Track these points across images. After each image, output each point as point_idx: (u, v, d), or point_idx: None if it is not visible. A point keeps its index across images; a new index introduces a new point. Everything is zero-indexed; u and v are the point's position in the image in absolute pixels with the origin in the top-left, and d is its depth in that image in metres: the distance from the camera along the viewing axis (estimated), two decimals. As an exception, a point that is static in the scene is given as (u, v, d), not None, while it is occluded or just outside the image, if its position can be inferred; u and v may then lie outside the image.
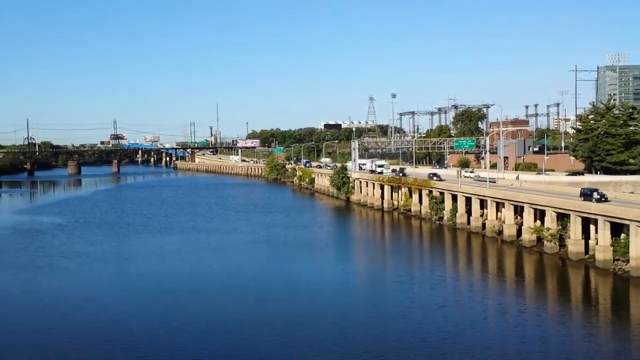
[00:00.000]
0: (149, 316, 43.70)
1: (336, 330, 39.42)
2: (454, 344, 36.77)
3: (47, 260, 66.64)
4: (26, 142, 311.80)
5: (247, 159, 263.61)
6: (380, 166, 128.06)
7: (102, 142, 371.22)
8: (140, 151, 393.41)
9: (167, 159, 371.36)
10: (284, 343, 37.30)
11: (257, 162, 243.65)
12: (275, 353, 35.81)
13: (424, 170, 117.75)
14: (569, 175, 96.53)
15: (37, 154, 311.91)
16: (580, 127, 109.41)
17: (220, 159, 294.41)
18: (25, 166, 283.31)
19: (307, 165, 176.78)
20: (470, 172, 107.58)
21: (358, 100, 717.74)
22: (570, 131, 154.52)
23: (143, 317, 43.45)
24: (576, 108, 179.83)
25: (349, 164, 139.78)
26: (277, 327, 40.14)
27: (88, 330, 40.66)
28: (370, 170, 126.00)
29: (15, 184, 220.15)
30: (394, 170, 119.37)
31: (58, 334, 40.14)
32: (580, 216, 59.09)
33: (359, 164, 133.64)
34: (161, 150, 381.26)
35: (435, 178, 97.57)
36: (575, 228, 59.51)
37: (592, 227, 59.75)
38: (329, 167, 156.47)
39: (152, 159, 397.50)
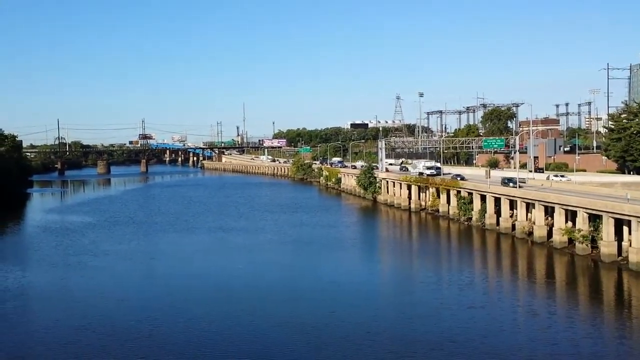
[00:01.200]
0: (176, 314, 43.98)
1: (363, 331, 39.12)
2: (482, 345, 36.15)
3: (77, 258, 67.79)
4: (57, 142, 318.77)
5: (279, 159, 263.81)
6: (430, 168, 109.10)
7: (130, 142, 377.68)
8: (167, 151, 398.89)
9: (194, 158, 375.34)
10: (310, 342, 37.16)
11: (287, 162, 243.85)
12: (301, 353, 35.69)
13: (453, 170, 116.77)
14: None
15: (67, 153, 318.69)
16: (613, 127, 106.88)
17: (253, 159, 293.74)
18: (56, 166, 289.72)
19: (340, 165, 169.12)
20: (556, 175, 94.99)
21: (385, 99, 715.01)
22: (602, 130, 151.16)
23: (171, 315, 43.75)
24: (608, 107, 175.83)
25: (388, 164, 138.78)
26: (303, 327, 40.03)
27: (118, 327, 41.15)
28: (418, 173, 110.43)
29: (47, 183, 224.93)
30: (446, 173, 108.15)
31: (88, 330, 40.66)
32: (613, 217, 57.63)
33: (402, 165, 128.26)
34: (188, 150, 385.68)
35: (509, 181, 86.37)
36: (607, 229, 58.05)
37: (625, 229, 58.22)
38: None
39: (179, 159, 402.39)
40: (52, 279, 57.69)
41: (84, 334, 39.90)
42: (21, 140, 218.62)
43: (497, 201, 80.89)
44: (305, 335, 38.57)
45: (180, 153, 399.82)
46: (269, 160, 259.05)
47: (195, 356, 35.34)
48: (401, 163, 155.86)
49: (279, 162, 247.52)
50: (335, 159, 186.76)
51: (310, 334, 38.78)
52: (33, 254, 72.83)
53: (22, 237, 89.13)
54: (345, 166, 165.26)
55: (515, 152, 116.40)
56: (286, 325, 40.72)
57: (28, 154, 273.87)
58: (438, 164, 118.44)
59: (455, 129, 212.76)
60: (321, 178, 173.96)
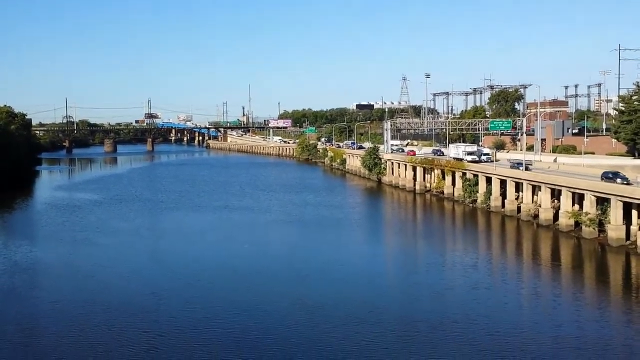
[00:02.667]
0: (181, 290, 44.21)
1: (366, 310, 39.20)
2: (486, 325, 36.15)
3: (84, 234, 68.21)
4: (65, 121, 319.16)
5: (289, 140, 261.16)
6: (472, 153, 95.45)
7: (136, 121, 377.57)
8: (173, 130, 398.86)
9: (200, 138, 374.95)
10: (313, 320, 37.29)
11: (295, 143, 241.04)
12: (304, 330, 35.81)
13: (427, 149, 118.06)
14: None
15: (75, 132, 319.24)
16: (623, 109, 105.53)
17: (265, 139, 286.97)
18: (64, 144, 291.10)
19: (353, 146, 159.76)
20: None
21: (391, 80, 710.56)
22: (612, 113, 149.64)
23: (175, 291, 43.97)
24: (619, 89, 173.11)
25: (399, 145, 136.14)
26: (306, 305, 40.16)
27: (123, 302, 41.42)
28: (453, 158, 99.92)
29: (55, 161, 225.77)
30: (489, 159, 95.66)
31: (94, 304, 40.98)
32: (621, 201, 57.15)
33: (435, 149, 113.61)
34: (194, 129, 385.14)
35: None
36: (616, 213, 57.60)
37: (634, 213, 57.77)
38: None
39: (185, 138, 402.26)
40: (59, 254, 58.12)
41: (89, 308, 40.23)
42: (30, 119, 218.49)
43: (503, 183, 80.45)
44: (309, 313, 38.68)
45: (186, 132, 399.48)
46: (280, 142, 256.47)
47: (198, 331, 35.53)
48: (407, 144, 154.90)
49: (289, 143, 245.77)
50: (349, 141, 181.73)
51: (314, 312, 38.90)
52: (41, 229, 73.36)
53: (31, 213, 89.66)
54: (362, 147, 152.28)
55: (522, 134, 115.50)
56: (290, 303, 40.83)
57: (37, 132, 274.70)
58: (485, 148, 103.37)
59: (462, 111, 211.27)
60: (326, 159, 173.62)
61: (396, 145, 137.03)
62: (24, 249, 60.40)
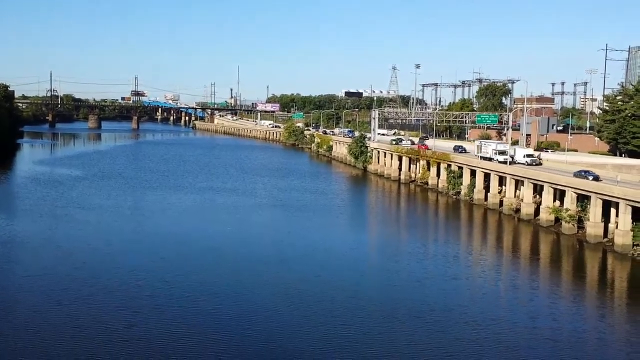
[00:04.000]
0: (160, 270, 44.06)
1: (347, 295, 39.48)
2: (463, 314, 36.64)
3: (64, 210, 67.60)
4: (49, 94, 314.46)
5: (280, 125, 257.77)
6: (502, 152, 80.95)
7: (122, 98, 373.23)
8: (160, 109, 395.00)
9: (186, 118, 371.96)
10: (294, 304, 37.49)
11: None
12: (284, 314, 36.00)
13: (445, 144, 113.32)
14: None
15: (59, 106, 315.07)
16: (607, 108, 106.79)
17: (255, 122, 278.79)
18: (47, 118, 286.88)
19: (351, 135, 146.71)
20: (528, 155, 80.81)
21: (381, 69, 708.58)
22: (597, 111, 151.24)
23: (155, 271, 43.83)
24: (604, 88, 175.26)
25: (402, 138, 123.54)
26: (288, 289, 40.32)
27: (101, 278, 41.23)
28: (481, 157, 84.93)
29: (37, 134, 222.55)
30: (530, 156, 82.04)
31: (72, 279, 40.74)
32: (601, 198, 57.99)
33: (479, 145, 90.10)
34: (181, 109, 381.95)
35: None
36: (595, 210, 58.46)
37: (612, 211, 58.66)
38: (394, 142, 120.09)
39: (171, 118, 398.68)
40: (38, 229, 57.47)
41: (68, 283, 40.01)
42: (13, 91, 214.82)
43: (487, 177, 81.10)
44: (290, 297, 38.87)
45: (172, 112, 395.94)
46: (271, 126, 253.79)
47: (177, 310, 35.53)
48: (394, 133, 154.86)
49: (280, 128, 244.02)
50: (345, 129, 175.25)
51: (295, 296, 39.10)
52: (20, 203, 72.49)
53: (10, 186, 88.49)
54: (365, 137, 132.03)
55: (507, 129, 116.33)
56: (271, 286, 40.97)
57: (20, 105, 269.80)
58: (524, 148, 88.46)
59: (450, 103, 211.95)
60: (313, 145, 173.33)
61: (391, 136, 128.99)
62: (2, 222, 59.73)
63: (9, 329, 32.27)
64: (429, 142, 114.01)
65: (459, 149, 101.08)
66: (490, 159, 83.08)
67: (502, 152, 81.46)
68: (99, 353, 29.34)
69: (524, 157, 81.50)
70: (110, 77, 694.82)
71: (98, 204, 72.36)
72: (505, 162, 78.73)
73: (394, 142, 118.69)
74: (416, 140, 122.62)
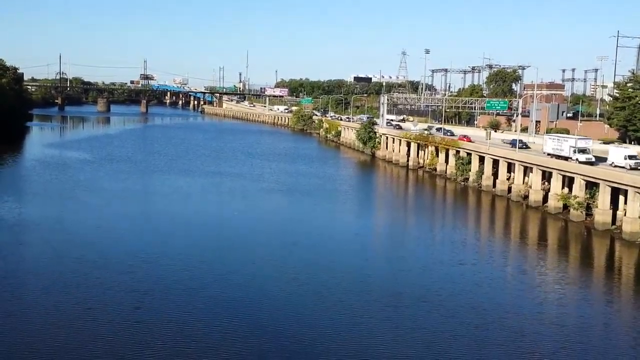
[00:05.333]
0: (168, 253, 44.37)
1: (354, 279, 39.68)
2: (469, 299, 36.69)
3: (73, 193, 68.14)
4: (58, 77, 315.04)
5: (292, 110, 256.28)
6: (583, 151, 67.11)
7: (131, 82, 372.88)
8: (168, 93, 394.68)
9: (195, 102, 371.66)
10: (301, 288, 37.73)
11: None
12: (290, 299, 36.23)
13: (497, 137, 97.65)
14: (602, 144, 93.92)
15: (68, 89, 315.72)
16: (618, 95, 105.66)
17: (267, 107, 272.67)
18: (56, 101, 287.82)
19: (369, 119, 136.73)
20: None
21: (390, 54, 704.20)
22: (607, 98, 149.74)
23: (162, 254, 44.14)
24: (615, 75, 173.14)
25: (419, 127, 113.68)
26: (295, 274, 40.50)
27: (109, 260, 41.57)
28: (550, 155, 71.93)
29: (47, 117, 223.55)
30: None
31: (80, 262, 41.06)
32: (610, 186, 57.66)
33: (512, 140, 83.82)
34: (189, 93, 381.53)
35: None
36: (603, 197, 58.17)
37: (621, 198, 58.36)
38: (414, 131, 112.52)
39: (180, 102, 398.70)
40: (47, 212, 57.99)
41: (75, 266, 40.28)
42: (22, 73, 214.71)
43: (495, 163, 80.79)
44: (297, 281, 39.09)
45: (181, 96, 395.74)
46: (286, 111, 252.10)
47: (184, 293, 35.87)
48: (402, 119, 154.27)
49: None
50: (363, 116, 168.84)
51: (302, 280, 39.32)
52: (29, 186, 73.13)
53: (19, 169, 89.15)
54: (391, 124, 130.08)
55: (517, 115, 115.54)
56: (278, 271, 41.18)
57: (29, 87, 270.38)
58: (633, 149, 69.66)
59: (459, 89, 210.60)
60: (321, 130, 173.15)
61: (398, 120, 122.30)
62: (11, 205, 60.22)
63: (19, 310, 32.67)
64: (470, 132, 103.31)
65: (518, 144, 79.03)
66: (566, 158, 67.89)
67: (584, 151, 67.04)
68: (108, 335, 29.69)
69: (626, 158, 62.75)
70: (120, 61, 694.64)
71: (106, 187, 72.85)
72: (589, 163, 63.90)
73: (425, 132, 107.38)
74: (432, 129, 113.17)
